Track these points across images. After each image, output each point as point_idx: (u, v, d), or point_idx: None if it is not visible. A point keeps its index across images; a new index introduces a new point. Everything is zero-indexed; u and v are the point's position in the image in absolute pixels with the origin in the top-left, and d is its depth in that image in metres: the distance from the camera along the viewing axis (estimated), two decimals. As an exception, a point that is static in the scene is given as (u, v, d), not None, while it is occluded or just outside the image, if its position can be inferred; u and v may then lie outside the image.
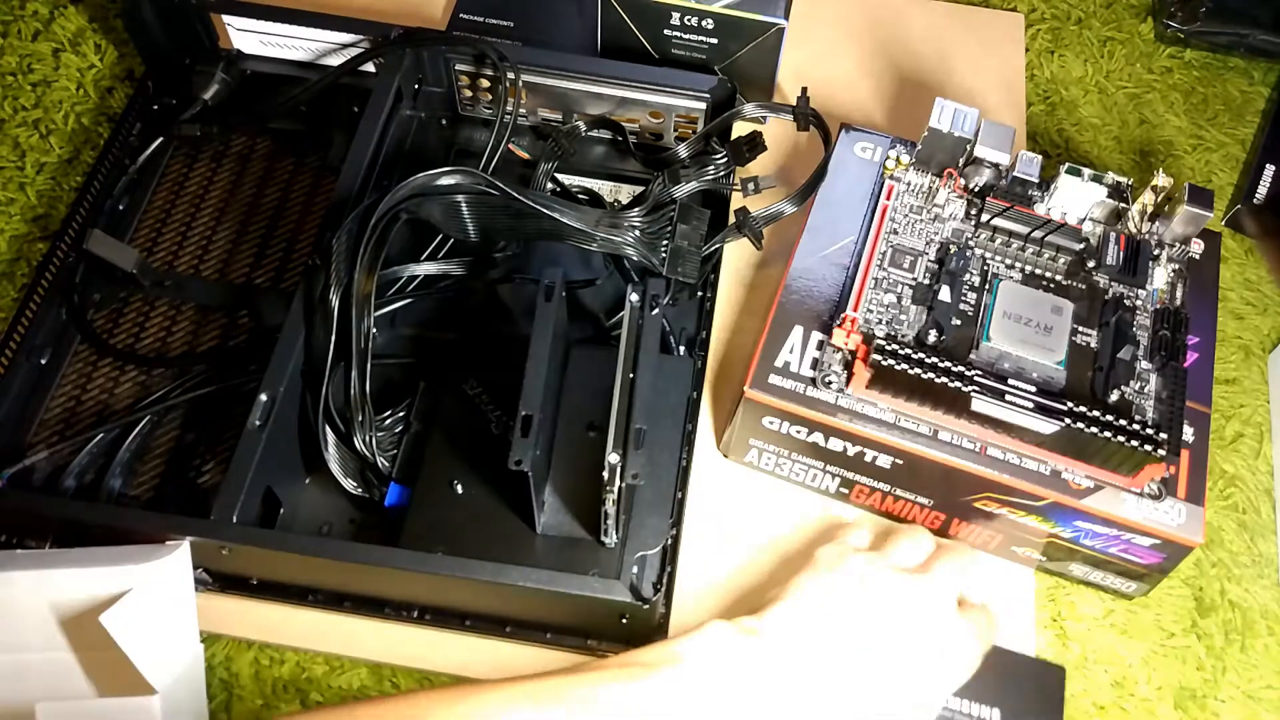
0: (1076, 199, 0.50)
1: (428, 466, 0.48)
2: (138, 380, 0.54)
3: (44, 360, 0.54)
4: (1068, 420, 0.44)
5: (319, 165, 0.61)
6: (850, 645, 0.42)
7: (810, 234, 0.52)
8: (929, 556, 0.47)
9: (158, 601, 0.45)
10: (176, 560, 0.45)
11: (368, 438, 0.48)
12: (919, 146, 0.52)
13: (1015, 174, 0.51)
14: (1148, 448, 0.43)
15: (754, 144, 0.57)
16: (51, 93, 0.67)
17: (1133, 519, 0.45)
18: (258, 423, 0.47)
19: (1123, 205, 0.51)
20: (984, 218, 0.50)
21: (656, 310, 0.44)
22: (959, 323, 0.48)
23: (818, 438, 0.48)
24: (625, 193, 0.60)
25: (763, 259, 0.61)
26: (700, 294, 0.56)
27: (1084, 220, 0.51)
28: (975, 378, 0.45)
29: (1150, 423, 0.44)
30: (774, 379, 0.48)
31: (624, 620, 0.46)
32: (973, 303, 0.48)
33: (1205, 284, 0.51)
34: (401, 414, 0.51)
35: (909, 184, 0.53)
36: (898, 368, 0.45)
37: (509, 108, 0.56)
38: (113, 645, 0.43)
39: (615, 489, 0.41)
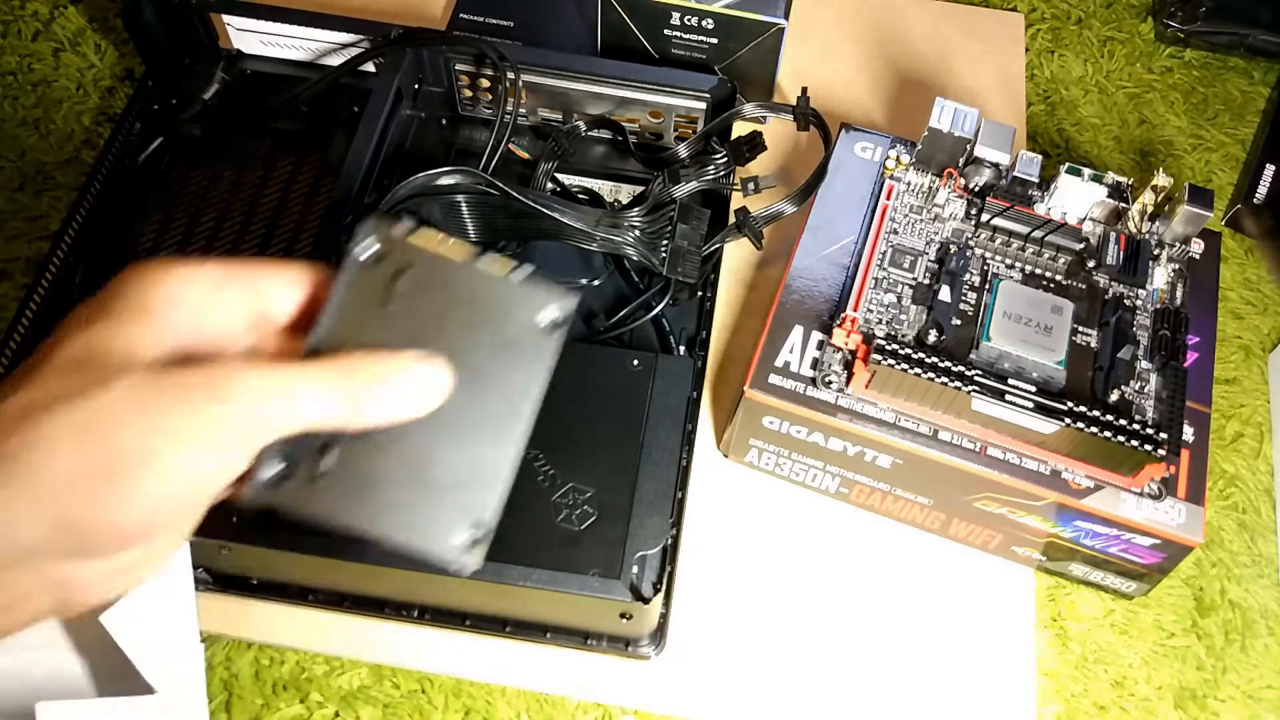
0: (1076, 199, 0.50)
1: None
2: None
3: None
4: (1068, 420, 0.44)
5: (319, 165, 0.61)
6: None
7: (810, 234, 0.52)
8: None
9: (158, 601, 0.45)
10: (176, 560, 0.45)
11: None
12: (919, 146, 0.52)
13: (1015, 174, 0.51)
14: (1148, 448, 0.43)
15: (754, 144, 0.57)
16: (51, 92, 0.67)
17: (1133, 519, 0.45)
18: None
19: (1123, 205, 0.51)
20: (984, 218, 0.50)
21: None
22: (959, 323, 0.48)
23: (818, 438, 0.48)
24: (625, 193, 0.60)
25: (763, 259, 0.61)
26: (700, 294, 0.56)
27: (1084, 220, 0.51)
28: (975, 378, 0.45)
29: (1150, 423, 0.44)
30: (774, 379, 0.48)
31: (624, 620, 0.46)
32: (973, 303, 0.48)
33: (1205, 284, 0.51)
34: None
35: (909, 184, 0.53)
36: (897, 368, 0.45)
37: (509, 108, 0.56)
38: (113, 645, 0.43)
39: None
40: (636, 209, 0.53)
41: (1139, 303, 0.49)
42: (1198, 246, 0.51)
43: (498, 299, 0.32)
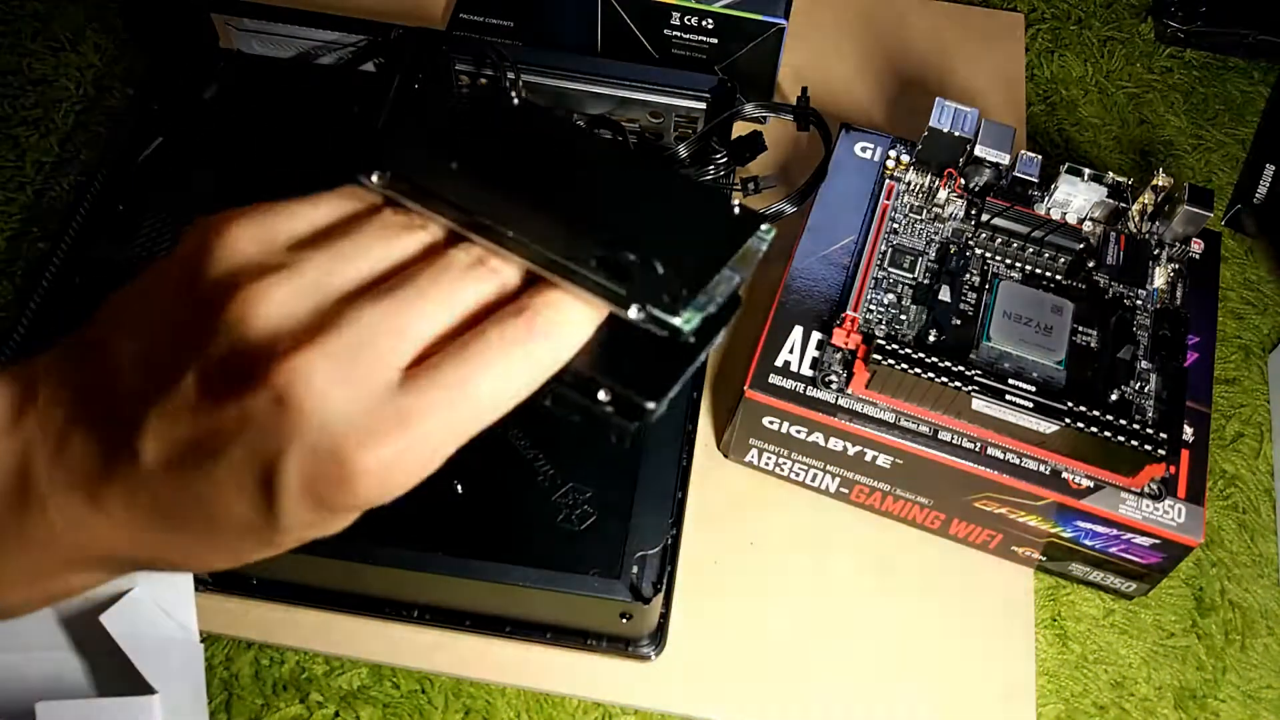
0: (1076, 199, 0.50)
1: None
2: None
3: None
4: (1068, 420, 0.44)
5: (317, 164, 0.61)
6: None
7: (810, 234, 0.52)
8: None
9: (158, 601, 0.45)
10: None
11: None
12: (919, 146, 0.52)
13: (1015, 174, 0.51)
14: (1148, 448, 0.43)
15: (754, 144, 0.57)
16: (52, 92, 0.67)
17: (1133, 519, 0.45)
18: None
19: (1123, 205, 0.51)
20: (984, 218, 0.50)
21: None
22: (959, 323, 0.48)
23: (818, 437, 0.48)
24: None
25: (763, 259, 0.61)
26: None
27: (1084, 220, 0.51)
28: (975, 378, 0.45)
29: (1150, 423, 0.44)
30: (774, 379, 0.48)
31: (624, 620, 0.46)
32: (973, 303, 0.48)
33: (1205, 284, 0.51)
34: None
35: (909, 184, 0.53)
36: (897, 368, 0.45)
37: (509, 108, 0.56)
38: (113, 645, 0.43)
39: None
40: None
41: (1139, 303, 0.49)
42: (1198, 246, 0.51)
43: None
